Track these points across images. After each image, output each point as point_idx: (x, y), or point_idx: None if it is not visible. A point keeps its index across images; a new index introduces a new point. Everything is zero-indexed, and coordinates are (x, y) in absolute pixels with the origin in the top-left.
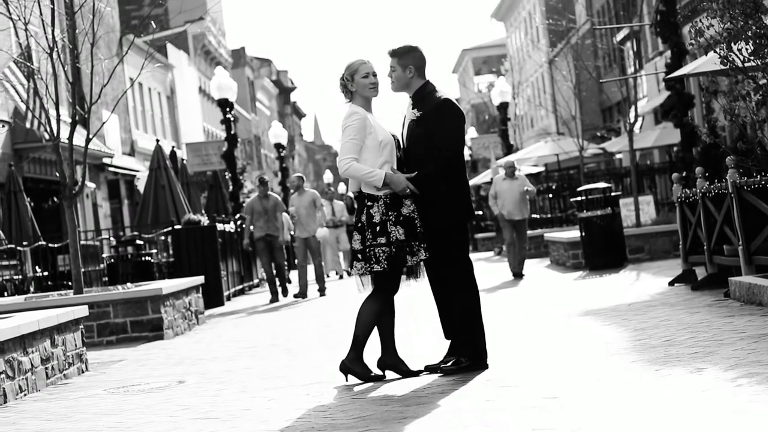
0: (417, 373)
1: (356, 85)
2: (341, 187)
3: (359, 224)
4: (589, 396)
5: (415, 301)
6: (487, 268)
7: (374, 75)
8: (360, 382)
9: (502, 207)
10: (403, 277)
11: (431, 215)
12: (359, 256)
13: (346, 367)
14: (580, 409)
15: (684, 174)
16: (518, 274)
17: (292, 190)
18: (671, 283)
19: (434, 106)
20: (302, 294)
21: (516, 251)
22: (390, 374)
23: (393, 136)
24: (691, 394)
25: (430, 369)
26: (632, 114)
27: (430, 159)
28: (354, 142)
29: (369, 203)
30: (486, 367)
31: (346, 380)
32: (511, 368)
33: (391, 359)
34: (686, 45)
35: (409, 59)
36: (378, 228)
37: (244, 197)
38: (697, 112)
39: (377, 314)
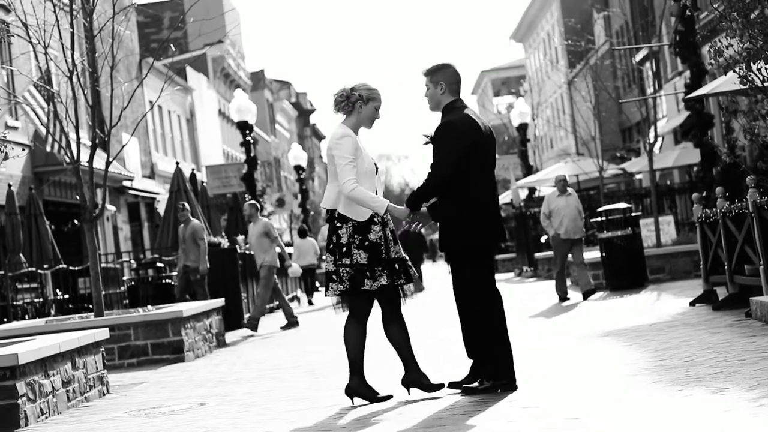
0: (439, 387)
1: (365, 109)
2: None
3: (330, 245)
4: (610, 417)
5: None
6: (509, 289)
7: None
8: (367, 403)
9: (559, 226)
10: (403, 299)
11: (443, 237)
12: (333, 276)
13: (352, 391)
14: (602, 430)
15: (704, 194)
16: (589, 293)
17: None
18: (692, 304)
19: (438, 126)
20: (291, 324)
21: (570, 273)
22: (401, 393)
23: (374, 162)
24: (713, 415)
25: (454, 385)
26: (652, 134)
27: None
28: (353, 164)
29: (338, 224)
30: (513, 388)
31: (352, 403)
32: (533, 389)
33: (409, 377)
34: (706, 65)
35: (440, 76)
36: (344, 249)
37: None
38: (716, 132)
39: (360, 334)
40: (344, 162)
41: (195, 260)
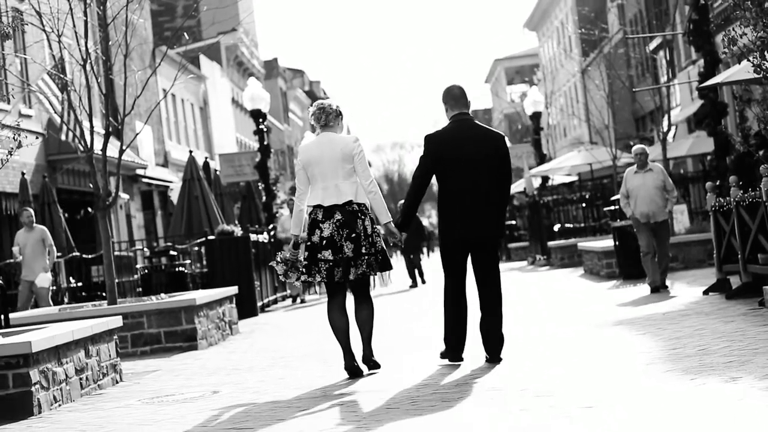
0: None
1: (341, 126)
2: None
3: (352, 234)
4: (624, 405)
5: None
6: (521, 278)
7: None
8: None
9: (635, 207)
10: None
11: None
12: (358, 261)
13: (373, 363)
14: (616, 418)
15: (718, 183)
16: (659, 288)
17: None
18: (705, 292)
19: None
20: None
21: (656, 260)
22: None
23: None
24: (727, 403)
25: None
26: (665, 123)
27: None
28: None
29: (361, 216)
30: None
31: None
32: (546, 378)
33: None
34: (719, 53)
35: (444, 99)
36: (369, 238)
37: (277, 207)
38: (730, 120)
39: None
40: (366, 165)
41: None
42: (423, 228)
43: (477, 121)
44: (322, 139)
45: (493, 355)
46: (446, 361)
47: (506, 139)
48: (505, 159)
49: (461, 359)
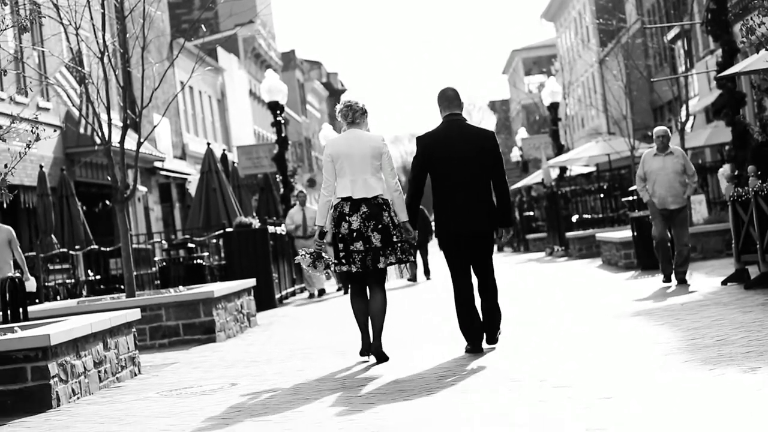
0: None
1: (366, 123)
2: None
3: (379, 225)
4: (643, 396)
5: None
6: (539, 269)
7: None
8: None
9: (653, 193)
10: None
11: None
12: (386, 251)
13: (382, 355)
14: (635, 409)
15: (736, 173)
16: (681, 281)
17: None
18: (724, 283)
19: None
20: None
21: (670, 250)
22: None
23: None
24: (746, 394)
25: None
26: (683, 113)
27: None
28: None
29: (385, 208)
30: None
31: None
32: (565, 369)
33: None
34: (737, 43)
35: (438, 100)
36: (394, 229)
37: (294, 199)
38: (748, 110)
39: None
40: (392, 164)
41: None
42: (430, 224)
43: (468, 122)
44: (350, 135)
45: (491, 337)
46: (469, 354)
47: (496, 136)
48: (496, 155)
49: (480, 349)
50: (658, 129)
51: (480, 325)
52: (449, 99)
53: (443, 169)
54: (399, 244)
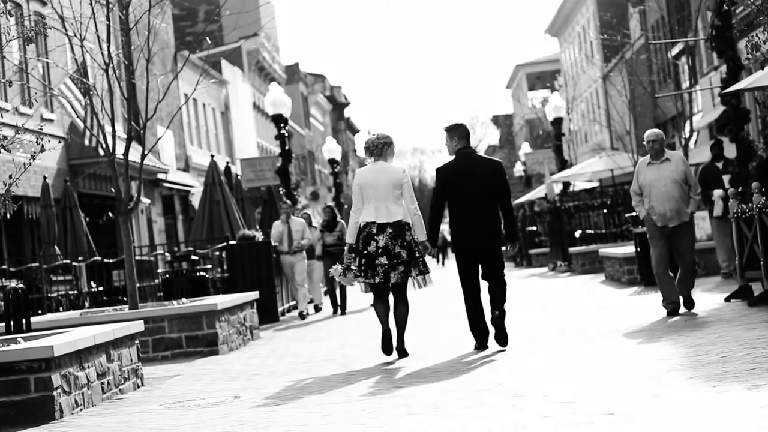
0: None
1: (390, 153)
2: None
3: (403, 243)
4: (646, 412)
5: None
6: (542, 284)
7: None
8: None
9: (650, 208)
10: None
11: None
12: (411, 265)
13: (404, 352)
14: (637, 425)
15: (740, 189)
16: (677, 309)
17: None
18: (727, 299)
19: None
20: None
21: (674, 279)
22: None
23: None
24: (750, 411)
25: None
26: (687, 129)
27: None
28: None
29: (407, 230)
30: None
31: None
32: (568, 384)
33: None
34: (742, 59)
35: (454, 133)
36: (416, 247)
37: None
38: (753, 126)
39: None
40: (412, 192)
41: None
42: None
43: (478, 153)
44: (376, 167)
45: (502, 341)
46: (477, 352)
47: (503, 165)
48: (503, 182)
49: (486, 346)
50: (649, 132)
51: (486, 327)
52: (464, 134)
53: (459, 195)
54: (420, 260)
